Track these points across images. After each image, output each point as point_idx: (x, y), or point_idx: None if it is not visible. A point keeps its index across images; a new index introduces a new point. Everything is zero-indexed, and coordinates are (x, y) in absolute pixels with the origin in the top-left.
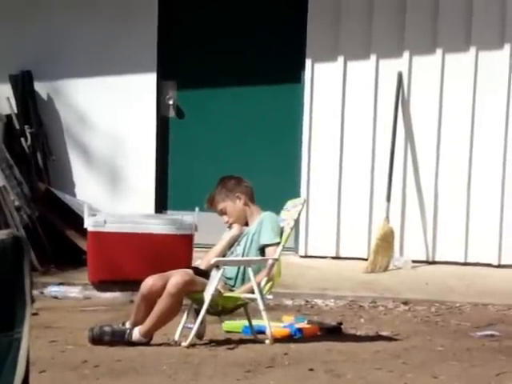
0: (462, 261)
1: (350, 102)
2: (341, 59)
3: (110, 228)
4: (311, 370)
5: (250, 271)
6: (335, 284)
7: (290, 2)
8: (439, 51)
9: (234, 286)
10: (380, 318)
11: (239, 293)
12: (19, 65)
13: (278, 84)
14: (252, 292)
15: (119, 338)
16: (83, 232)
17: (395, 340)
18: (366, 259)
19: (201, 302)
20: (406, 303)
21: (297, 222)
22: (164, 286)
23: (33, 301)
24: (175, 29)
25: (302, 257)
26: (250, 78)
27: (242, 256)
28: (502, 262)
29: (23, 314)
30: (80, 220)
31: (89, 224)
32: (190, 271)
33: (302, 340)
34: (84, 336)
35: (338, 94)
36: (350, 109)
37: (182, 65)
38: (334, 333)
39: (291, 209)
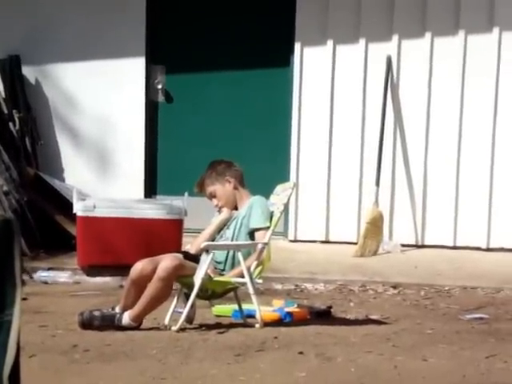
0: (451, 244)
1: (340, 86)
2: (330, 43)
3: (100, 213)
4: (301, 353)
5: (239, 255)
6: (325, 268)
7: None
8: (428, 35)
9: (223, 270)
10: (369, 301)
11: (229, 277)
12: (7, 49)
13: (267, 68)
14: (242, 276)
15: (109, 323)
16: (72, 217)
17: (385, 323)
18: (356, 243)
19: (191, 287)
20: (395, 287)
21: (286, 206)
22: (154, 271)
23: (23, 284)
24: (164, 13)
25: (291, 241)
26: (239, 62)
27: (232, 240)
28: (491, 246)
29: (13, 296)
30: (69, 205)
31: (78, 209)
32: (180, 255)
33: (292, 324)
34: (74, 321)
35: (327, 78)
36: (339, 93)
37: (170, 49)
38: (323, 316)
39: (281, 193)
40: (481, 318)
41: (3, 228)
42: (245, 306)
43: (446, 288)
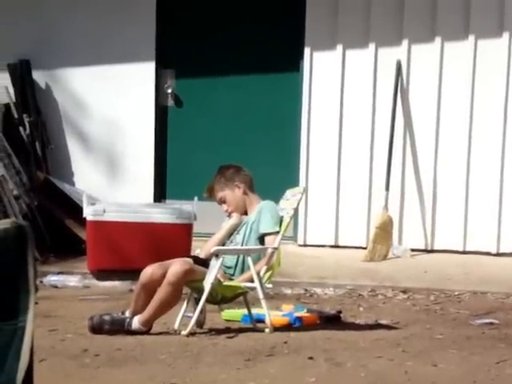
0: (461, 249)
1: (349, 91)
2: (339, 48)
3: (109, 217)
4: (311, 358)
5: (249, 260)
6: (334, 273)
7: None
8: (438, 39)
9: (233, 275)
10: (379, 306)
11: (239, 282)
12: (17, 54)
13: (277, 73)
14: (251, 281)
15: (119, 327)
16: (82, 221)
17: (395, 328)
18: (365, 248)
19: (200, 291)
20: (405, 292)
21: (296, 210)
22: (164, 275)
23: (36, 289)
24: (174, 17)
25: (300, 246)
26: (248, 67)
27: (242, 245)
28: (501, 251)
29: (27, 303)
30: (79, 209)
31: (88, 213)
32: (190, 260)
33: (302, 329)
34: (84, 325)
35: (336, 83)
36: (348, 98)
37: (180, 53)
38: (333, 321)
39: (290, 198)
40: (491, 323)
41: (17, 234)
42: (254, 311)
43: (456, 293)
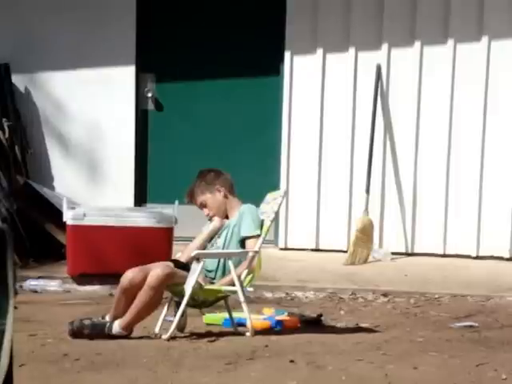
0: (441, 252)
1: (329, 95)
2: (320, 52)
3: (89, 221)
4: (292, 361)
5: (230, 264)
6: (315, 276)
7: None
8: (417, 43)
9: (214, 279)
10: (360, 309)
11: (220, 285)
12: None
13: (258, 77)
14: (232, 284)
15: (99, 332)
16: (62, 225)
17: (375, 331)
18: (346, 251)
19: (181, 295)
20: (385, 295)
21: (277, 214)
22: (144, 279)
23: (16, 293)
24: (154, 21)
25: (281, 249)
26: (229, 71)
27: (223, 248)
28: (481, 254)
29: (6, 306)
30: (59, 213)
31: (68, 217)
32: (171, 264)
33: (283, 332)
34: (64, 329)
35: (317, 87)
36: (329, 101)
37: (160, 57)
38: (314, 325)
39: (271, 201)
40: (471, 326)
41: None
42: (235, 315)
43: (436, 296)
